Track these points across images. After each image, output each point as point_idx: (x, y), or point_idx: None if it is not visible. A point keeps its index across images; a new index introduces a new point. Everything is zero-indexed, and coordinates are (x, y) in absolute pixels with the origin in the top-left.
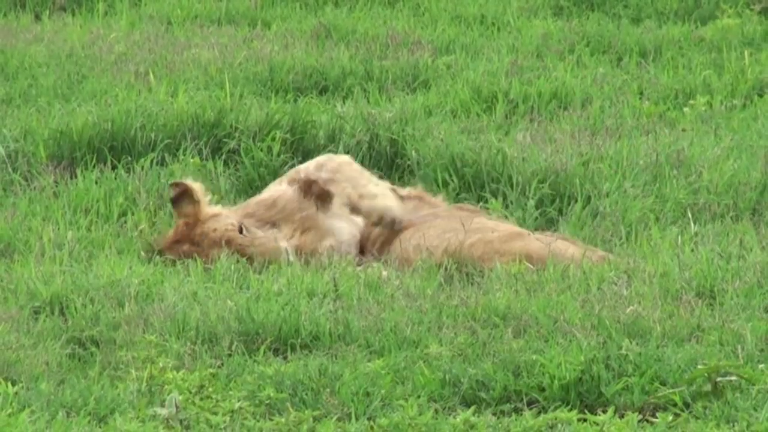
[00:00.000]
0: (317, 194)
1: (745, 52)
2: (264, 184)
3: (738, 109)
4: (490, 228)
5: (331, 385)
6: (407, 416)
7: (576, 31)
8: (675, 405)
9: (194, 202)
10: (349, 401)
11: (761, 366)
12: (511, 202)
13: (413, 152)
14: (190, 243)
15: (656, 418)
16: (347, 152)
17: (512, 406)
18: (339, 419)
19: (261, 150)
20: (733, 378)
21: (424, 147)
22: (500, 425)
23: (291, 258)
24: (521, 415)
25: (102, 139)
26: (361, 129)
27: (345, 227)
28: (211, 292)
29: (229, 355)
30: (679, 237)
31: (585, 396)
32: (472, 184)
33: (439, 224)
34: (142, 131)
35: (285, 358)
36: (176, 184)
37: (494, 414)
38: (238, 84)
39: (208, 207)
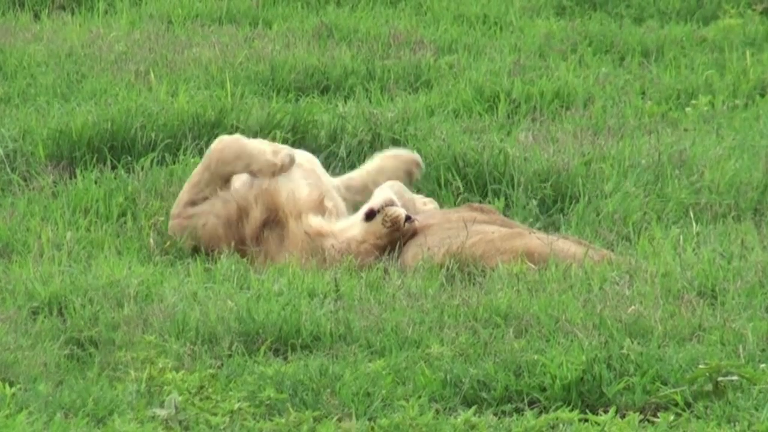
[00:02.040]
0: None
1: (747, 52)
2: None
3: (740, 109)
4: (490, 229)
5: (331, 386)
6: (408, 416)
7: (578, 30)
8: (676, 405)
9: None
10: (350, 401)
11: (762, 366)
12: (513, 202)
13: (415, 152)
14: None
15: (658, 417)
16: (349, 152)
17: (513, 406)
18: (339, 420)
19: None
20: (735, 378)
21: (426, 147)
22: (501, 425)
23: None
24: (522, 415)
25: (102, 139)
26: (363, 129)
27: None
28: (211, 292)
29: (229, 356)
30: (681, 237)
31: (586, 396)
32: (474, 184)
33: (443, 231)
34: (143, 131)
35: (285, 358)
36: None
37: (495, 414)
38: (239, 83)
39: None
